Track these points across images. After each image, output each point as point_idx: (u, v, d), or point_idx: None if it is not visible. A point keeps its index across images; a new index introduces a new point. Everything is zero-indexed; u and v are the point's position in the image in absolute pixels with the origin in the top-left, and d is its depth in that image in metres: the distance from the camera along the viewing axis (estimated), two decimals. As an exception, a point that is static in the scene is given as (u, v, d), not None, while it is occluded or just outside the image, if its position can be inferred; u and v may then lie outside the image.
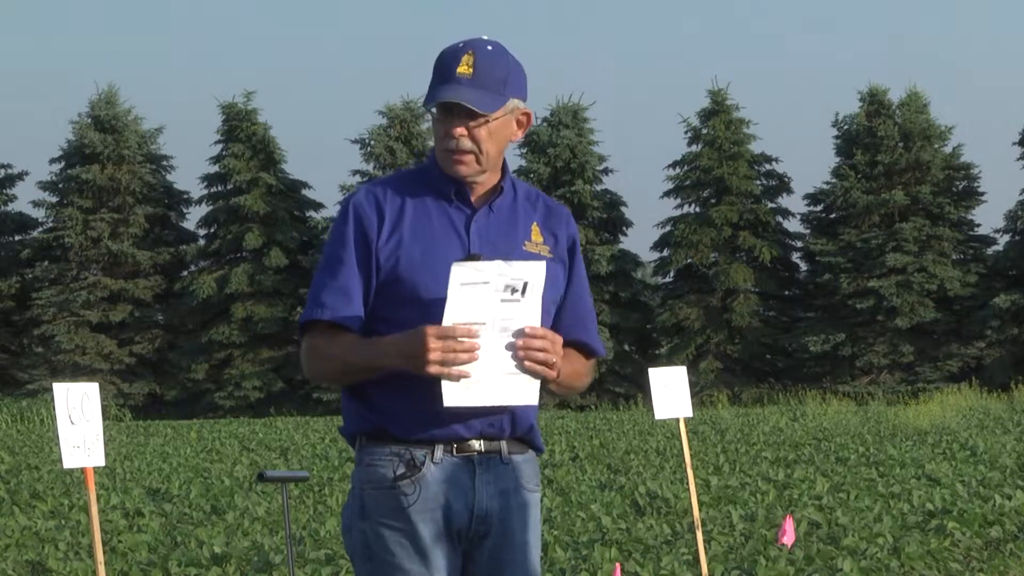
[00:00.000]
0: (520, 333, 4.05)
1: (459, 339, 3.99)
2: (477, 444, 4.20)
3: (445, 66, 4.19)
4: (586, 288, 4.38)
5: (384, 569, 4.18)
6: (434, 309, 4.10)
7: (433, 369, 3.99)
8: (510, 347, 4.05)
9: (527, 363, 4.05)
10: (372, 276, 4.20)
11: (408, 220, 4.21)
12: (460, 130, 4.17)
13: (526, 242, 4.28)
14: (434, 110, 4.22)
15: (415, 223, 4.21)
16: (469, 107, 4.14)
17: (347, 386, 4.26)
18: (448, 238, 4.21)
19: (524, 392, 4.09)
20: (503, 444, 4.23)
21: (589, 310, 4.37)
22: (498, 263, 4.01)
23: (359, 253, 4.19)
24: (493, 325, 4.03)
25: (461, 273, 3.98)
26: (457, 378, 4.02)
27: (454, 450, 4.19)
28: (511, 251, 4.24)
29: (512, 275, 4.02)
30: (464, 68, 4.16)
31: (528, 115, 4.27)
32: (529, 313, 4.06)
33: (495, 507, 4.22)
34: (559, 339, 4.12)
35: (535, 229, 4.31)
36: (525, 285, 4.03)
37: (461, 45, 4.21)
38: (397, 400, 4.19)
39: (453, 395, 4.03)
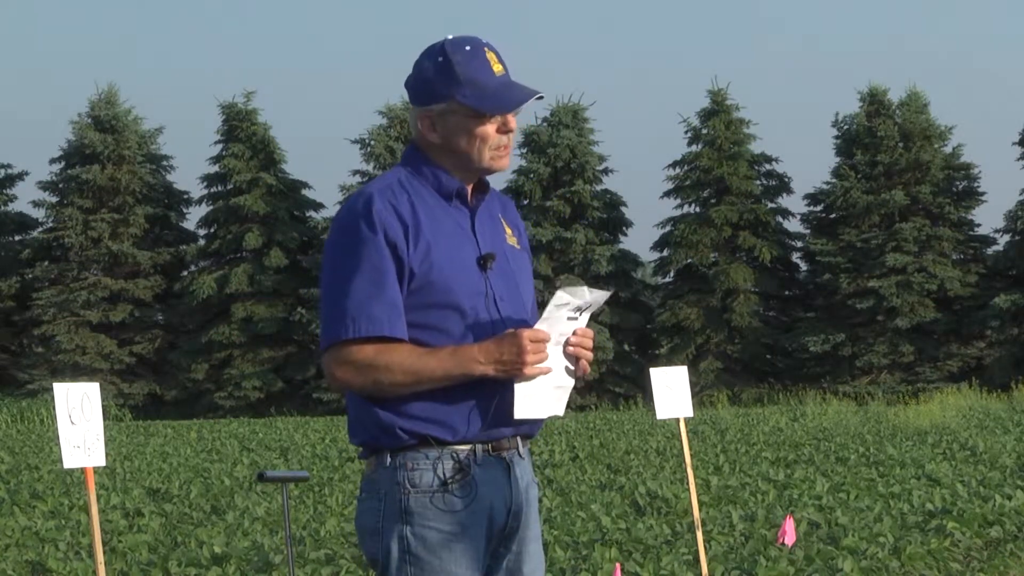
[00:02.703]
0: (568, 340, 4.22)
1: (544, 342, 4.13)
2: (508, 443, 4.26)
3: (480, 66, 4.18)
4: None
5: (428, 573, 4.15)
6: (468, 312, 4.16)
7: (530, 370, 4.10)
8: (561, 358, 4.20)
9: (582, 362, 4.22)
10: (404, 284, 4.16)
11: (424, 225, 4.19)
12: (515, 123, 4.24)
13: (506, 236, 4.34)
14: (470, 109, 4.18)
15: (431, 227, 4.20)
16: (536, 100, 4.22)
17: (373, 397, 4.18)
18: (461, 239, 4.22)
19: (561, 403, 4.26)
20: (519, 440, 4.29)
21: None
22: (585, 289, 4.17)
23: (395, 263, 4.14)
24: (554, 340, 4.19)
25: (560, 296, 4.15)
26: (531, 382, 4.15)
27: (491, 449, 4.23)
28: (504, 247, 4.30)
29: (589, 300, 4.19)
30: (499, 66, 4.20)
31: None
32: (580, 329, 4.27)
33: (523, 502, 4.27)
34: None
35: (503, 222, 4.36)
36: (587, 308, 4.21)
37: (468, 46, 4.19)
38: (440, 406, 4.17)
39: (524, 409, 4.17)
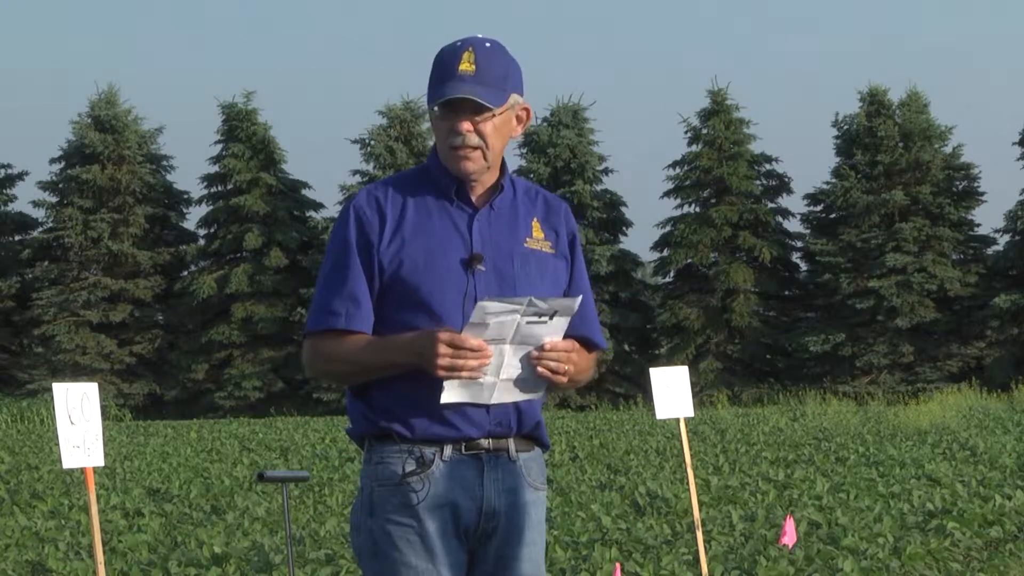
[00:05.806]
0: (539, 347, 4.13)
1: (469, 350, 4.05)
2: (485, 443, 4.24)
3: (446, 64, 4.21)
4: (587, 282, 4.43)
5: (391, 566, 4.20)
6: (437, 311, 4.16)
7: (441, 373, 4.06)
8: (524, 358, 4.13)
9: (539, 370, 4.13)
10: (375, 279, 4.22)
11: (410, 221, 4.23)
12: (467, 125, 4.20)
13: (527, 239, 4.31)
14: (436, 108, 4.23)
15: (417, 224, 4.23)
16: (477, 102, 4.17)
17: (353, 388, 4.30)
18: (450, 238, 4.23)
19: (526, 391, 4.18)
20: (510, 442, 4.27)
21: (590, 304, 4.40)
22: (530, 299, 4.07)
23: (362, 257, 4.22)
24: (512, 340, 4.11)
25: (489, 306, 4.04)
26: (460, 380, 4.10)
27: (463, 448, 4.22)
28: (513, 249, 4.27)
29: (543, 308, 4.09)
30: (467, 65, 4.19)
31: (528, 110, 4.31)
32: (553, 332, 4.15)
33: (503, 505, 4.25)
34: (575, 348, 4.19)
35: (536, 226, 4.34)
36: (554, 314, 4.11)
37: (460, 43, 4.24)
38: (403, 401, 4.22)
39: (451, 394, 4.11)
